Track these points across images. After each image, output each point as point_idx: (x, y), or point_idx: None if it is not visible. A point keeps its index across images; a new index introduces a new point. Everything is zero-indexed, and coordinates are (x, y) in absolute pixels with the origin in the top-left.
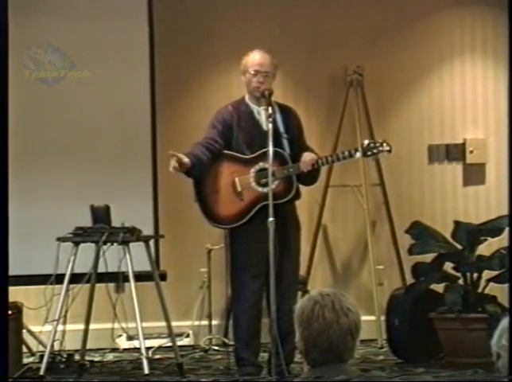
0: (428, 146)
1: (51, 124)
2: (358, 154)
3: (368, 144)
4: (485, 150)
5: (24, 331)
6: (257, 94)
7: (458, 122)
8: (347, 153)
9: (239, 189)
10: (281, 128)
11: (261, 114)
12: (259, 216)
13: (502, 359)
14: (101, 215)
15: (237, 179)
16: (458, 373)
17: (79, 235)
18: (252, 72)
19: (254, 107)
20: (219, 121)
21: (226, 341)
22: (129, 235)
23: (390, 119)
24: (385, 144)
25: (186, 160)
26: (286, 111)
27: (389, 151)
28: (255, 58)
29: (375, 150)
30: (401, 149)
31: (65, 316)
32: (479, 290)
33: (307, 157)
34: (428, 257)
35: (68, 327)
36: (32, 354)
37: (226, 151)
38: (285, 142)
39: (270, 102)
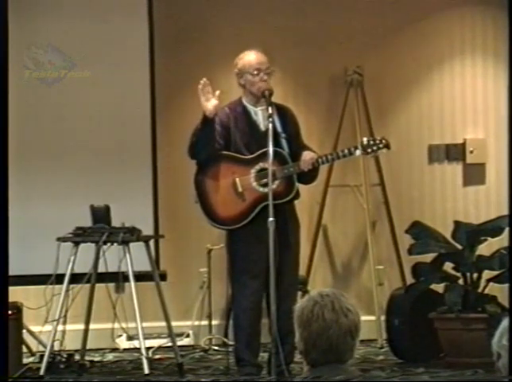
0: (428, 146)
1: (51, 124)
2: (358, 152)
3: (367, 141)
4: (485, 150)
5: (24, 331)
6: (259, 93)
7: (458, 122)
8: (346, 151)
9: (240, 189)
10: (279, 128)
11: (259, 114)
12: (259, 216)
13: (503, 359)
14: (101, 215)
15: (238, 180)
16: (458, 373)
17: (79, 235)
18: (255, 73)
19: (251, 108)
20: (217, 122)
21: (226, 341)
22: (129, 235)
23: (390, 119)
24: (383, 141)
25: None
26: (283, 111)
27: (388, 148)
28: (252, 58)
29: (375, 147)
30: (401, 149)
31: (65, 316)
32: (479, 290)
33: (307, 156)
34: (428, 257)
35: (68, 327)
36: (32, 354)
37: (225, 152)
38: (284, 142)
39: (271, 102)
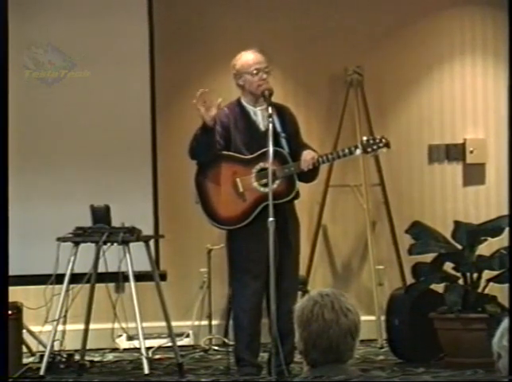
0: (428, 146)
1: (51, 124)
2: (359, 151)
3: (367, 140)
4: (485, 150)
5: (24, 331)
6: (260, 92)
7: (458, 122)
8: (347, 150)
9: (241, 189)
10: (279, 127)
11: (258, 114)
12: (260, 216)
13: (503, 359)
14: (101, 215)
15: (238, 180)
16: (458, 373)
17: (79, 235)
18: (254, 72)
19: (250, 108)
20: (217, 123)
21: (226, 341)
22: (129, 235)
23: (390, 119)
24: (383, 140)
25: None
26: (282, 110)
27: (388, 147)
28: (250, 58)
29: (375, 146)
30: (401, 149)
31: (65, 316)
32: (479, 290)
33: (307, 156)
34: (428, 257)
35: (68, 327)
36: (32, 354)
37: (226, 152)
38: (284, 141)
39: (271, 102)
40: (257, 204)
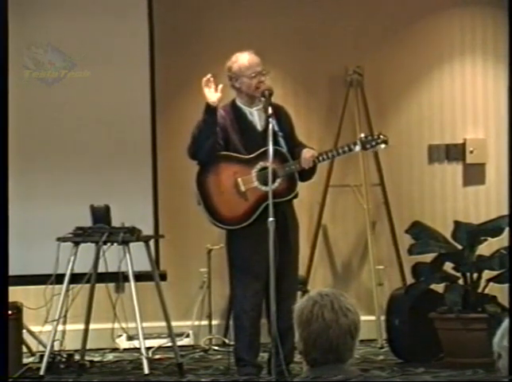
0: (428, 146)
1: (51, 124)
2: (358, 148)
3: (366, 137)
4: (485, 150)
5: (24, 331)
6: (258, 94)
7: (458, 122)
8: (346, 147)
9: (243, 189)
10: (276, 127)
11: (254, 115)
12: (260, 216)
13: (503, 359)
14: (101, 215)
15: (239, 179)
16: (458, 373)
17: (79, 235)
18: (252, 75)
19: (246, 109)
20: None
21: (226, 341)
22: (129, 235)
23: (390, 119)
24: (382, 136)
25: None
26: (277, 110)
27: (386, 143)
28: (247, 61)
29: (373, 143)
30: (401, 149)
31: (65, 316)
32: (479, 290)
33: (307, 154)
34: (428, 257)
35: (68, 327)
36: (32, 354)
37: (225, 153)
38: (282, 141)
39: (271, 102)
40: (259, 203)
